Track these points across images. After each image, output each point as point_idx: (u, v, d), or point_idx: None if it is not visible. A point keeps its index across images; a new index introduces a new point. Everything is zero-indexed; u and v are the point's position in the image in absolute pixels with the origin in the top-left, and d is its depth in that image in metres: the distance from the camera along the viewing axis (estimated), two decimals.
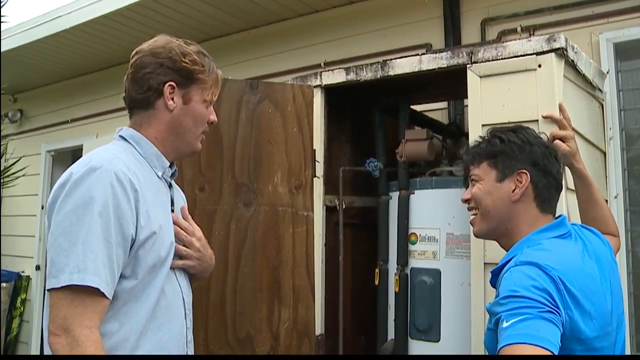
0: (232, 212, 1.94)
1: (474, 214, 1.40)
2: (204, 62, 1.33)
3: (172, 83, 1.29)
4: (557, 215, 1.36)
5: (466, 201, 1.41)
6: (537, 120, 1.74)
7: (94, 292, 1.08)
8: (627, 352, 2.25)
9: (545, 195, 1.31)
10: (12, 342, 5.16)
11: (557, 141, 1.62)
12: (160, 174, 1.32)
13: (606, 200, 2.02)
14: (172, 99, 1.30)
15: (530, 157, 1.31)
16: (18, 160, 4.77)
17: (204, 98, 1.34)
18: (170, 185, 1.38)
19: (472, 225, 1.42)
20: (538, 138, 1.37)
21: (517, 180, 1.31)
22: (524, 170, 1.30)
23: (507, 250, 1.33)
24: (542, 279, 1.10)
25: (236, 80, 2.05)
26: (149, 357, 1.20)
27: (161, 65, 1.28)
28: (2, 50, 4.13)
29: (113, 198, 1.13)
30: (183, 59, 1.29)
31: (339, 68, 2.31)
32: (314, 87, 2.24)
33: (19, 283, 5.21)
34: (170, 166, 1.37)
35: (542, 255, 1.17)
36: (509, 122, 1.78)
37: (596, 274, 1.24)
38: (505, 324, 1.05)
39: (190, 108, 1.32)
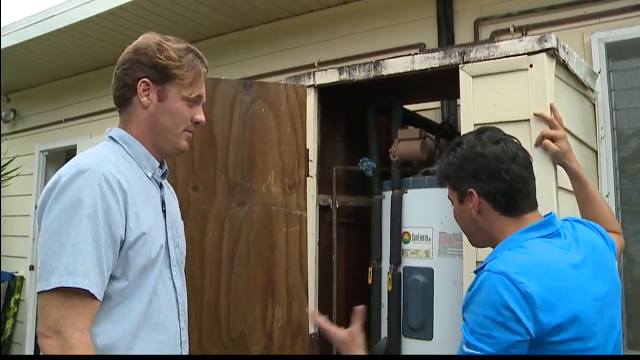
0: (225, 211, 1.95)
1: None
2: (183, 58, 1.28)
3: (145, 79, 1.26)
4: (547, 213, 1.35)
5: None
6: (529, 120, 1.75)
7: (84, 294, 1.08)
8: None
9: (503, 201, 1.28)
10: (5, 342, 5.14)
11: (546, 141, 1.63)
12: (150, 174, 1.31)
13: None
14: (148, 95, 1.27)
15: (472, 172, 1.29)
16: (11, 160, 4.76)
17: (182, 95, 1.29)
18: (161, 186, 1.36)
19: None
20: (479, 145, 1.30)
21: (470, 199, 1.30)
22: (470, 189, 1.29)
23: None
24: (509, 295, 1.10)
25: (230, 80, 2.06)
26: (146, 357, 1.20)
27: (137, 61, 1.27)
28: None
29: (102, 200, 1.13)
30: (158, 55, 1.26)
31: (332, 68, 2.31)
32: (307, 87, 2.25)
33: (13, 283, 5.19)
34: (161, 166, 1.35)
35: (518, 261, 1.16)
36: (501, 122, 1.79)
37: (584, 272, 1.21)
38: (465, 348, 1.14)
39: (166, 105, 1.28)
